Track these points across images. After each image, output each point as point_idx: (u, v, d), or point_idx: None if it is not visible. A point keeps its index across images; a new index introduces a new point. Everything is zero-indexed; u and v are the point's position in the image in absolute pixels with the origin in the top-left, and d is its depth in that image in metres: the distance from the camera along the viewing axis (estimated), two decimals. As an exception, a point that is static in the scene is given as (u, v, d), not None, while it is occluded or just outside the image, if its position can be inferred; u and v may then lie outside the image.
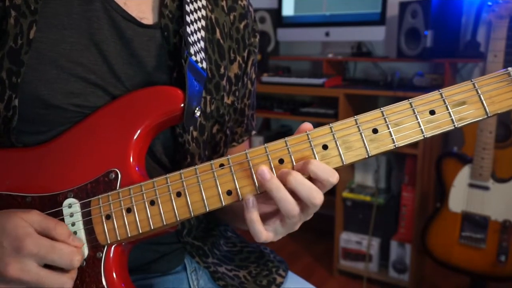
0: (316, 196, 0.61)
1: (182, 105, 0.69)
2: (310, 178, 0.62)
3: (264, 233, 0.63)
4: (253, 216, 0.62)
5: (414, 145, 2.09)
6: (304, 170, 0.62)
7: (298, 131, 0.65)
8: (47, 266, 0.62)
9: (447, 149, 2.32)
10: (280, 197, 0.61)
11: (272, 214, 0.65)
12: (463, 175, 1.98)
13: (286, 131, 3.01)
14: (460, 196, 1.99)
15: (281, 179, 0.62)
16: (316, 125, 0.65)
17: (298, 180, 0.61)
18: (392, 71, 2.38)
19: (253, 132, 0.95)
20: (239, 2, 0.85)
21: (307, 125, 0.64)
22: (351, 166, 2.50)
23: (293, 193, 0.61)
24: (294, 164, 0.63)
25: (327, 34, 2.52)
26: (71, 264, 0.63)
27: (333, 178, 0.61)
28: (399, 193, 2.33)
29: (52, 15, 0.68)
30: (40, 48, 0.67)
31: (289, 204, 0.61)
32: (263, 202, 0.65)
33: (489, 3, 1.83)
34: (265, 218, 0.65)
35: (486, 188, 1.94)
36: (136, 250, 0.73)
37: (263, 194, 0.63)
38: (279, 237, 0.67)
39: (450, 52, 2.26)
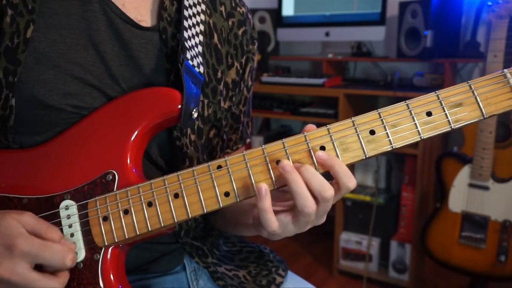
0: (327, 190, 0.60)
1: (180, 106, 0.69)
2: None
3: (275, 223, 0.63)
4: (266, 205, 0.62)
5: (414, 145, 2.08)
6: (325, 166, 0.62)
7: (303, 132, 0.65)
8: (39, 270, 0.62)
9: (447, 149, 2.32)
10: (299, 191, 0.61)
11: (281, 211, 0.65)
12: (463, 175, 1.98)
13: (286, 131, 3.01)
14: (460, 196, 1.99)
15: None
16: (316, 125, 0.65)
17: (310, 172, 0.61)
18: (392, 71, 2.38)
19: (248, 140, 0.94)
20: (238, 9, 0.85)
21: (311, 127, 0.65)
22: (351, 166, 2.49)
23: None
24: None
25: (327, 34, 2.52)
26: (63, 262, 0.62)
27: (351, 183, 0.62)
28: (399, 193, 2.33)
29: (50, 15, 0.68)
30: (37, 47, 0.67)
31: (307, 199, 0.61)
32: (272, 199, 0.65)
33: (489, 3, 1.83)
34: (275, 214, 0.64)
35: (486, 188, 1.94)
36: (135, 250, 0.73)
37: (272, 193, 0.63)
38: (286, 235, 0.66)
39: (450, 52, 2.26)
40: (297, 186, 0.61)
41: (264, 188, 0.62)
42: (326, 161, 0.62)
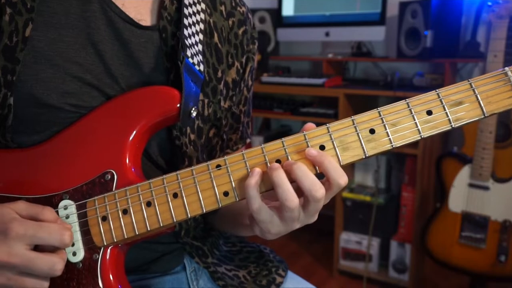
0: (318, 189, 0.60)
1: (178, 105, 0.69)
2: None
3: (258, 200, 0.61)
4: (252, 181, 0.61)
5: (414, 145, 2.09)
6: (315, 162, 0.62)
7: (302, 131, 0.64)
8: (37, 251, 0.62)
9: (447, 149, 2.32)
10: (279, 183, 0.60)
11: (270, 203, 0.64)
12: (463, 175, 1.98)
13: (286, 131, 3.00)
14: (460, 196, 1.99)
15: (286, 169, 0.61)
16: (316, 125, 0.64)
17: (302, 170, 0.60)
18: (392, 71, 2.38)
19: (248, 140, 0.94)
20: (238, 8, 0.85)
21: (310, 126, 0.64)
22: (351, 166, 2.50)
23: (297, 189, 0.61)
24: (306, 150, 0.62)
25: (327, 34, 2.52)
26: (62, 239, 0.62)
27: (342, 179, 0.61)
28: (399, 193, 2.33)
29: (50, 14, 0.68)
30: (36, 46, 0.67)
31: (288, 192, 0.60)
32: (269, 198, 0.64)
33: (489, 3, 1.83)
34: None
35: (486, 188, 1.93)
36: (135, 250, 0.73)
37: (267, 194, 0.63)
38: (275, 231, 0.65)
39: (450, 52, 2.26)
40: (276, 178, 0.60)
41: (257, 169, 0.62)
42: (315, 158, 0.61)
